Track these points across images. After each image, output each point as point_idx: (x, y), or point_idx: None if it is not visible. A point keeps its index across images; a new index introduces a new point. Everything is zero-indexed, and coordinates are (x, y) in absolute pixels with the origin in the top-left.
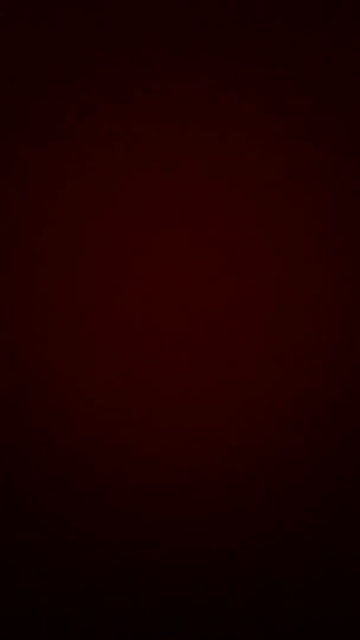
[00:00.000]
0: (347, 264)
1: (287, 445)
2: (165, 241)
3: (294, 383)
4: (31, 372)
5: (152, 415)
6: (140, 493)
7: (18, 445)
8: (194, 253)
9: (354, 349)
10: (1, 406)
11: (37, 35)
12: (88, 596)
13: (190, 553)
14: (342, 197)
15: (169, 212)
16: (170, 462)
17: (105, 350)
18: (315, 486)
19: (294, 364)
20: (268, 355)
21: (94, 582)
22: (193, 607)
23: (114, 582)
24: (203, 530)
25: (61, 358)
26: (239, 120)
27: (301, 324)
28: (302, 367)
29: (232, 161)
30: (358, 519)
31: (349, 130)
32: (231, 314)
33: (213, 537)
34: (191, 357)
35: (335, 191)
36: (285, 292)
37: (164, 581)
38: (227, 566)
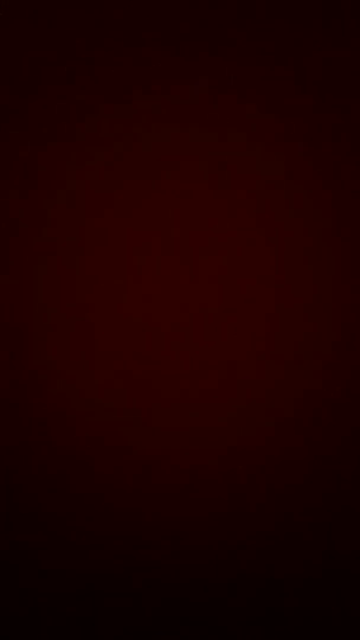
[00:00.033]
0: (347, 264)
1: (287, 445)
2: (165, 241)
3: (294, 383)
4: (31, 372)
5: (152, 415)
6: (140, 493)
7: (18, 445)
8: (194, 253)
9: (354, 349)
10: (1, 406)
11: (37, 35)
12: (88, 596)
13: (190, 553)
14: (342, 197)
15: (169, 212)
16: (170, 462)
17: (105, 350)
18: (315, 486)
19: (294, 364)
20: (268, 355)
21: (94, 582)
22: (193, 607)
23: (114, 582)
24: (203, 530)
25: (61, 358)
26: (239, 120)
27: (301, 324)
28: (302, 367)
29: (232, 161)
30: (358, 519)
31: (349, 130)
32: (231, 314)
33: (213, 537)
34: (191, 357)
35: (335, 191)
36: (285, 292)
37: (164, 581)
38: (227, 566)
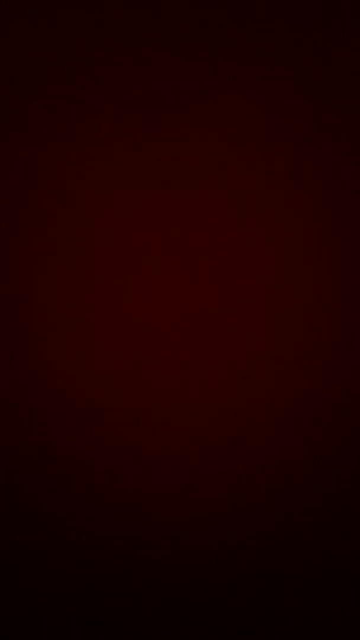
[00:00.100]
0: (347, 264)
1: (287, 445)
2: (165, 241)
3: (294, 383)
4: (31, 372)
5: (152, 415)
6: (141, 493)
7: (18, 445)
8: (194, 253)
9: (354, 349)
10: (1, 406)
11: (37, 35)
12: (88, 596)
13: (190, 553)
14: (342, 197)
15: (169, 212)
16: (170, 462)
17: (105, 350)
18: (315, 486)
19: (294, 364)
20: (268, 355)
21: (94, 582)
22: (193, 607)
23: (114, 582)
24: (203, 530)
25: (61, 358)
26: (239, 120)
27: (301, 324)
28: (302, 367)
29: (232, 161)
30: (358, 519)
31: (349, 130)
32: (231, 313)
33: (213, 537)
34: (191, 357)
35: (335, 191)
36: (285, 292)
37: (164, 581)
38: (227, 566)
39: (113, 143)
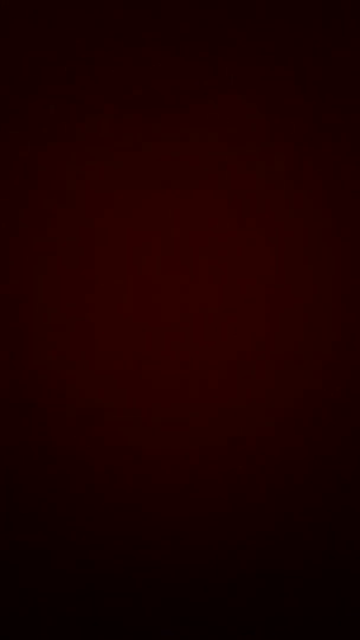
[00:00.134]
0: (347, 264)
1: (287, 445)
2: (165, 241)
3: (294, 383)
4: (31, 372)
5: (152, 415)
6: (141, 493)
7: (18, 445)
8: (194, 253)
9: (354, 349)
10: (1, 406)
11: (37, 35)
12: (88, 596)
13: (190, 553)
14: (342, 197)
15: (169, 212)
16: (170, 462)
17: (105, 350)
18: (315, 486)
19: (294, 364)
20: (268, 355)
21: (94, 582)
22: (193, 607)
23: (114, 582)
24: (203, 530)
25: (61, 358)
26: (239, 120)
27: (301, 324)
28: (302, 367)
29: (232, 161)
30: (358, 519)
31: (349, 130)
32: (231, 313)
33: (213, 537)
34: (191, 357)
35: (335, 191)
36: (285, 292)
37: (164, 581)
38: (227, 566)
39: (113, 143)
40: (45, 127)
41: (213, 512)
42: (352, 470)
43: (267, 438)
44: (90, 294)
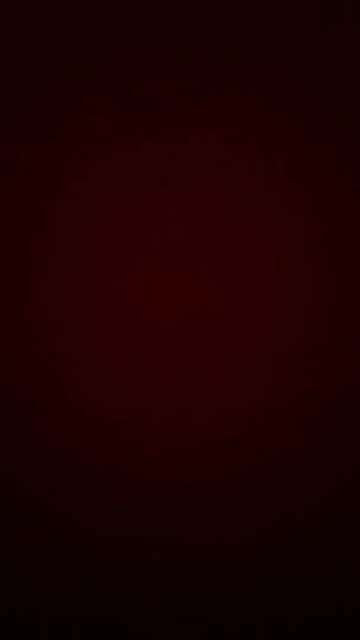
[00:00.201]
0: (347, 264)
1: (287, 445)
2: (165, 241)
3: (294, 383)
4: (31, 372)
5: (152, 415)
6: (141, 493)
7: (18, 445)
8: (194, 253)
9: (354, 349)
10: (1, 406)
11: (37, 35)
12: (88, 596)
13: (190, 553)
14: (342, 197)
15: (169, 212)
16: (170, 462)
17: (105, 350)
18: (315, 486)
19: (294, 364)
20: (268, 355)
21: (94, 582)
22: (193, 607)
23: (114, 582)
24: (203, 530)
25: (61, 358)
26: (239, 120)
27: (301, 324)
28: (302, 367)
29: (232, 161)
30: (358, 519)
31: (349, 130)
32: (231, 313)
33: (213, 537)
34: (191, 357)
35: (335, 191)
36: (285, 292)
37: (164, 581)
38: (227, 566)
39: (113, 143)
40: (45, 127)
41: (213, 512)
42: (352, 470)
43: (267, 438)
44: (90, 294)
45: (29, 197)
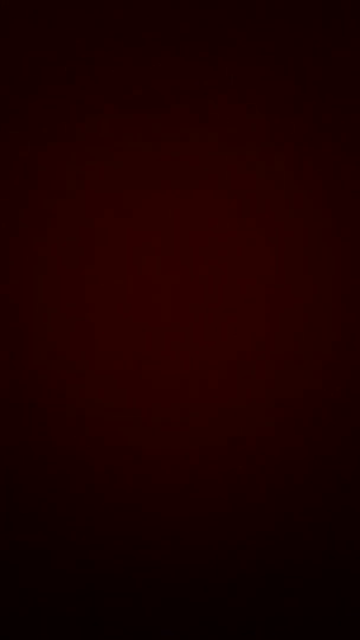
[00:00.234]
0: (347, 264)
1: (287, 445)
2: (165, 241)
3: (294, 383)
4: (31, 372)
5: (152, 415)
6: (141, 493)
7: (18, 445)
8: (194, 253)
9: (354, 349)
10: (1, 406)
11: (37, 35)
12: (88, 596)
13: (190, 553)
14: (342, 197)
15: (169, 212)
16: (170, 462)
17: (105, 350)
18: (315, 486)
19: (294, 364)
20: (268, 356)
21: (94, 582)
22: (193, 607)
23: (114, 582)
24: (203, 530)
25: (61, 358)
26: (239, 120)
27: (301, 324)
28: (302, 367)
29: (232, 161)
30: (358, 519)
31: (349, 130)
32: (231, 313)
33: (213, 537)
34: (191, 357)
35: (335, 191)
36: (285, 292)
37: (164, 581)
38: (227, 566)
39: (113, 143)
40: (45, 127)
41: (213, 512)
42: (352, 470)
43: (267, 438)
44: (90, 294)
45: (29, 197)
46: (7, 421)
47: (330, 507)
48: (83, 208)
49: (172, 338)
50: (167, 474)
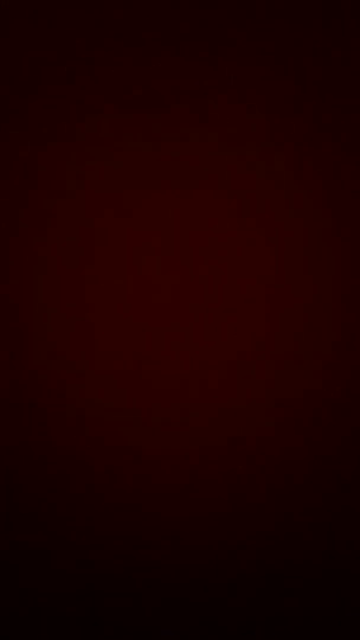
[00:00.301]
0: (347, 264)
1: (287, 445)
2: (165, 241)
3: (294, 383)
4: (31, 372)
5: (152, 415)
6: (141, 493)
7: (18, 445)
8: (194, 253)
9: (354, 349)
10: (1, 406)
11: (37, 35)
12: (88, 596)
13: (190, 553)
14: (342, 197)
15: (169, 212)
16: (170, 462)
17: (105, 350)
18: (315, 486)
19: (294, 364)
20: (268, 356)
21: (94, 582)
22: (193, 607)
23: (114, 582)
24: (203, 530)
25: (61, 358)
26: (239, 120)
27: (301, 324)
28: (302, 367)
29: (232, 161)
30: (358, 519)
31: (349, 130)
32: (231, 313)
33: (213, 537)
34: (191, 357)
35: (335, 191)
36: (285, 292)
37: (164, 581)
38: (227, 566)
39: (113, 143)
40: (45, 127)
41: (213, 512)
42: (352, 470)
43: (267, 438)
44: (90, 294)
45: (29, 197)
46: (7, 421)
47: (330, 507)
48: (83, 208)
49: (172, 338)
50: (167, 474)
